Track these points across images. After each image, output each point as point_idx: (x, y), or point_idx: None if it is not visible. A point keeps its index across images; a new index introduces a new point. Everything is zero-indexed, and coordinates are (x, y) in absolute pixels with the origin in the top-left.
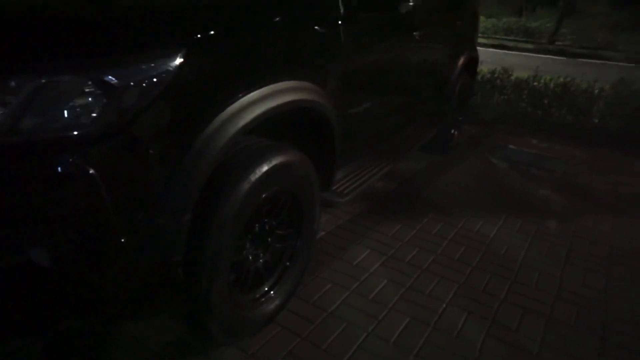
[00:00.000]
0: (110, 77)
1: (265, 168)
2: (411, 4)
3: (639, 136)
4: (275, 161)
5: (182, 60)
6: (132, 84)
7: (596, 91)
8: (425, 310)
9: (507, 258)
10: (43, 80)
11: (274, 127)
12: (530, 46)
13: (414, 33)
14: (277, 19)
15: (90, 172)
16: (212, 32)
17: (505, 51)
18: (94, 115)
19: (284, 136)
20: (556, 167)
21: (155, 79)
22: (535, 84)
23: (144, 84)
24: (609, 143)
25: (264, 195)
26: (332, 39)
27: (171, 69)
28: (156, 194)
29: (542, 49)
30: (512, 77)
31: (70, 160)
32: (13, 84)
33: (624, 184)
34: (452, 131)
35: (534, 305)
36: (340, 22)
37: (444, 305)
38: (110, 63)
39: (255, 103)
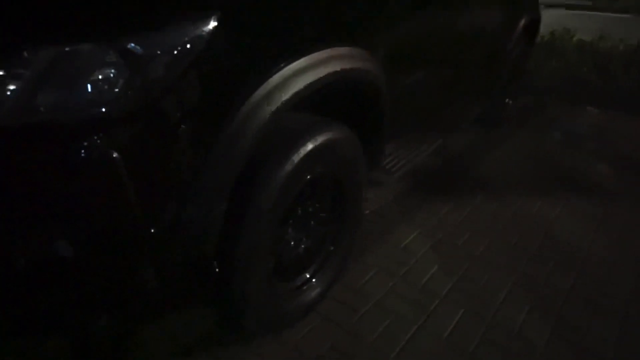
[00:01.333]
0: (134, 45)
1: (310, 147)
2: None
3: None
4: (321, 139)
5: (215, 24)
6: (159, 52)
7: None
8: (480, 302)
9: (570, 246)
10: (59, 50)
11: (317, 100)
12: (587, 3)
13: None
14: None
15: (114, 155)
16: None
17: (558, 10)
18: (117, 90)
19: (327, 110)
20: (621, 141)
21: (185, 48)
22: (601, 46)
23: (173, 53)
24: None
25: (307, 178)
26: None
27: (204, 35)
28: (188, 181)
29: (599, 7)
30: (574, 39)
31: (91, 142)
32: (26, 54)
33: None
34: (507, 100)
35: (603, 301)
36: None
37: (501, 298)
38: (134, 29)
39: (299, 74)
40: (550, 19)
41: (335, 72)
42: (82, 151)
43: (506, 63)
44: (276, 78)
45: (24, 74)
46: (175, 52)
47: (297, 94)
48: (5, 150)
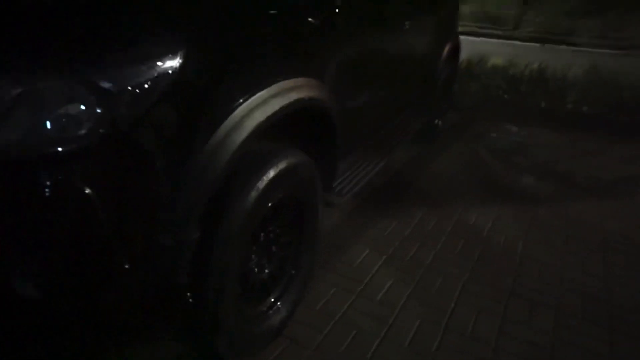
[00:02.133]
0: (104, 80)
1: (272, 174)
2: None
3: (611, 121)
4: (282, 165)
5: (183, 59)
6: (129, 87)
7: (569, 77)
8: (435, 310)
9: (507, 249)
10: (27, 88)
11: (274, 128)
12: (497, 32)
13: (405, 21)
14: (275, 11)
15: (86, 190)
16: (212, 28)
17: (474, 38)
18: (86, 125)
19: (282, 137)
20: (538, 153)
21: (155, 82)
22: (512, 71)
23: (142, 88)
24: (584, 127)
25: (270, 204)
26: (329, 31)
27: (172, 69)
28: (160, 210)
29: (509, 36)
30: (489, 65)
31: (61, 177)
32: None
33: (602, 168)
34: (437, 120)
35: (541, 298)
36: (336, 12)
37: (453, 304)
38: (103, 64)
39: (263, 104)
40: (466, 46)
41: (295, 101)
42: (50, 187)
43: (437, 84)
44: (242, 109)
45: None
46: (145, 87)
47: (261, 123)
48: None
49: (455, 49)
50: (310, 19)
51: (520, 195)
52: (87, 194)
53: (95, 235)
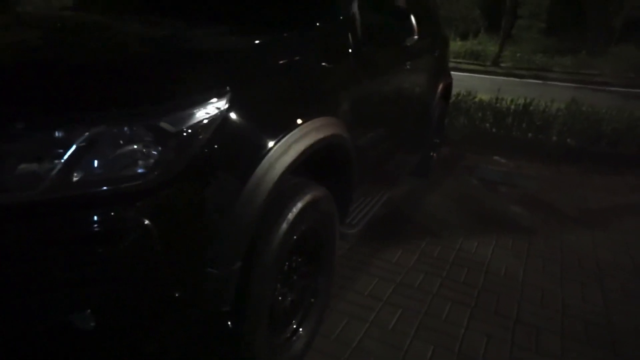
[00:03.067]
0: (164, 123)
1: (300, 206)
2: (416, 37)
3: (593, 153)
4: (308, 198)
5: (229, 101)
6: (184, 128)
7: (554, 110)
8: (447, 336)
9: (509, 277)
10: (94, 131)
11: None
12: (479, 68)
13: (408, 63)
14: (299, 57)
15: (146, 224)
16: (252, 73)
17: (458, 73)
18: (149, 164)
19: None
20: (527, 184)
21: (206, 123)
22: (497, 105)
23: (196, 129)
24: (568, 159)
25: (295, 236)
26: (343, 73)
27: (220, 111)
28: (209, 243)
29: (490, 71)
30: (476, 99)
31: (127, 213)
32: (61, 135)
33: (589, 199)
34: (432, 154)
35: (545, 324)
36: (351, 58)
37: (463, 330)
38: (163, 109)
39: (297, 141)
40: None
41: (324, 138)
42: (117, 221)
43: (432, 120)
44: (277, 149)
45: (61, 153)
46: (198, 127)
47: (294, 161)
48: (42, 221)
49: (448, 87)
50: (324, 64)
51: (514, 225)
52: (146, 227)
53: (151, 267)
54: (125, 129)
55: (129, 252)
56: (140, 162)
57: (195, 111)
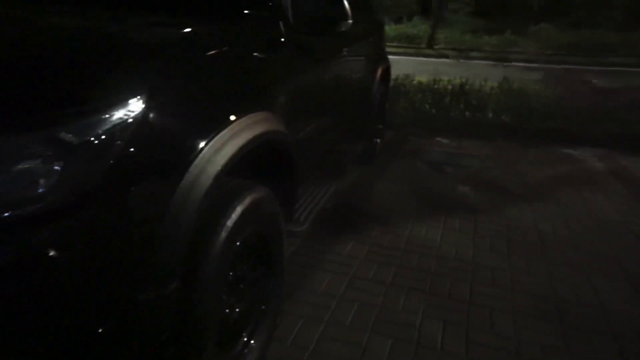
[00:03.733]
0: (65, 133)
1: (239, 211)
2: (350, 21)
3: (526, 128)
4: (248, 201)
5: (147, 102)
6: (92, 138)
7: (488, 89)
8: (404, 327)
9: (459, 259)
10: None
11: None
12: (414, 51)
13: (345, 49)
14: (227, 49)
15: (51, 254)
16: (174, 69)
17: (395, 57)
18: (51, 182)
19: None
20: (470, 163)
21: (119, 128)
22: (436, 86)
23: (107, 136)
24: (504, 135)
25: (238, 242)
26: (282, 65)
27: (136, 114)
28: (136, 265)
29: (425, 54)
30: (414, 82)
31: (18, 243)
32: None
33: (526, 173)
34: (376, 140)
35: (497, 303)
36: (284, 47)
37: (420, 319)
38: (62, 117)
39: (229, 141)
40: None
41: (260, 134)
42: (10, 254)
43: (374, 106)
44: (211, 146)
45: None
46: (108, 136)
47: (231, 158)
48: None
49: (387, 71)
50: (256, 54)
51: (461, 205)
52: (50, 259)
53: (63, 304)
54: (17, 142)
55: (32, 292)
56: (40, 182)
57: (104, 116)
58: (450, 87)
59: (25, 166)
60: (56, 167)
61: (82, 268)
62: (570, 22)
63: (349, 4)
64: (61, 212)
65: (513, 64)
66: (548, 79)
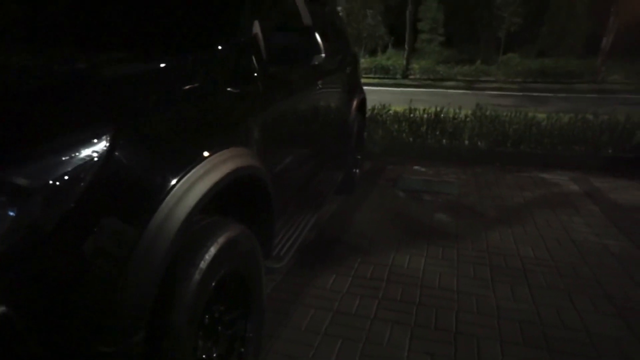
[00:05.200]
0: (17, 177)
1: (213, 252)
2: (323, 55)
3: (501, 153)
4: (222, 240)
5: (112, 140)
6: (50, 181)
7: (462, 117)
8: None
9: (444, 288)
10: None
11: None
12: (389, 81)
13: (320, 81)
14: (198, 84)
15: (1, 310)
16: (143, 104)
17: (371, 87)
18: (3, 231)
19: (216, 211)
20: (448, 190)
21: (81, 169)
22: (412, 115)
23: (68, 178)
24: (481, 161)
25: (213, 283)
26: (250, 98)
27: (100, 153)
28: (98, 316)
29: (400, 84)
30: (391, 111)
31: None
32: None
33: (503, 197)
34: (355, 170)
35: (484, 331)
36: (257, 81)
37: (406, 353)
38: (15, 160)
39: (203, 177)
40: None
41: (234, 170)
42: None
43: (351, 137)
44: (182, 184)
45: None
46: (70, 177)
47: (204, 196)
48: None
49: (363, 102)
50: (229, 89)
51: (442, 233)
52: (1, 314)
53: (16, 358)
54: None
55: None
56: None
57: (64, 157)
58: (426, 115)
59: None
60: (10, 213)
61: (35, 322)
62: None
63: (324, 37)
64: (11, 263)
65: (485, 92)
66: (518, 103)
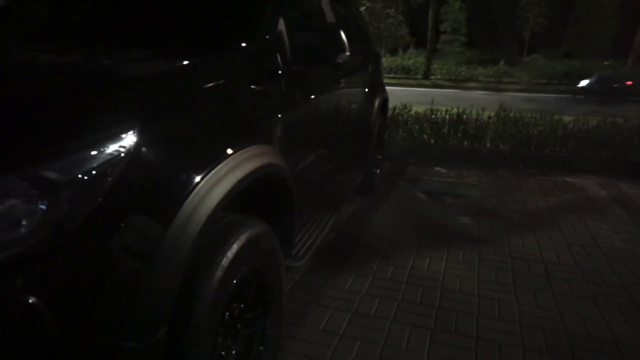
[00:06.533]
0: (48, 171)
1: (236, 249)
2: (347, 54)
3: (524, 156)
4: (245, 238)
5: (139, 136)
6: (79, 175)
7: (485, 118)
8: None
9: (464, 292)
10: None
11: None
12: (411, 81)
13: (343, 80)
14: (223, 81)
15: (31, 301)
16: (169, 102)
17: (392, 87)
18: (34, 224)
19: (239, 208)
20: (470, 192)
21: (108, 165)
22: (434, 116)
23: (96, 173)
24: (503, 164)
25: (235, 281)
26: (279, 97)
27: (127, 149)
28: (122, 311)
29: (421, 84)
30: (412, 112)
31: (4, 291)
32: None
33: (526, 201)
34: (375, 170)
35: (505, 338)
36: (281, 79)
37: (426, 358)
38: (46, 154)
39: (227, 175)
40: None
41: (258, 168)
42: None
43: (372, 137)
44: (206, 181)
45: None
46: (96, 173)
47: (228, 193)
48: None
49: (385, 102)
50: (253, 87)
51: (463, 236)
52: (31, 305)
53: (44, 355)
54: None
55: (10, 342)
56: (22, 223)
57: (92, 153)
58: (447, 116)
59: (5, 206)
60: (40, 207)
61: (62, 314)
62: (561, 53)
63: (347, 35)
64: (42, 255)
65: (508, 93)
66: (542, 106)
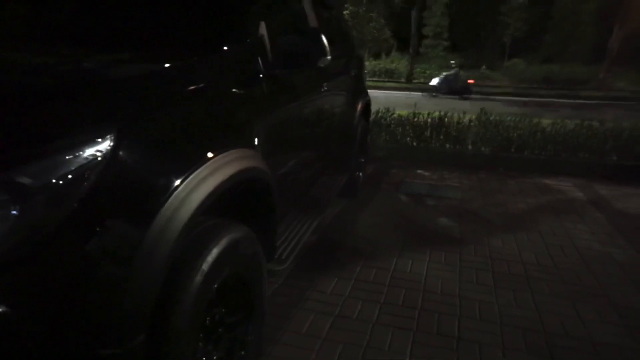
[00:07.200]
0: (21, 176)
1: (216, 253)
2: (329, 57)
3: (505, 158)
4: (224, 243)
5: (116, 140)
6: (54, 180)
7: (466, 121)
8: None
9: (446, 293)
10: None
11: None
12: (394, 85)
13: (325, 84)
14: (204, 85)
15: (1, 310)
16: (148, 105)
17: (375, 91)
18: (5, 229)
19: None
20: (451, 194)
21: (84, 169)
22: (416, 119)
23: (71, 178)
24: (484, 166)
25: (215, 285)
26: (260, 101)
27: (104, 153)
28: (98, 317)
29: (404, 88)
30: (395, 115)
31: None
32: None
33: (507, 203)
34: (358, 173)
35: (486, 338)
36: (262, 82)
37: (408, 359)
38: (18, 159)
39: (207, 178)
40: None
41: (238, 172)
42: None
43: (355, 140)
44: (186, 185)
45: None
46: (74, 176)
47: (207, 197)
48: None
49: (367, 105)
50: (234, 90)
51: (444, 238)
52: (1, 314)
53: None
54: None
55: None
56: None
57: (68, 157)
58: (430, 120)
59: None
60: (13, 212)
61: (36, 323)
62: (541, 57)
63: (329, 39)
64: (13, 262)
65: (490, 97)
66: (522, 109)
